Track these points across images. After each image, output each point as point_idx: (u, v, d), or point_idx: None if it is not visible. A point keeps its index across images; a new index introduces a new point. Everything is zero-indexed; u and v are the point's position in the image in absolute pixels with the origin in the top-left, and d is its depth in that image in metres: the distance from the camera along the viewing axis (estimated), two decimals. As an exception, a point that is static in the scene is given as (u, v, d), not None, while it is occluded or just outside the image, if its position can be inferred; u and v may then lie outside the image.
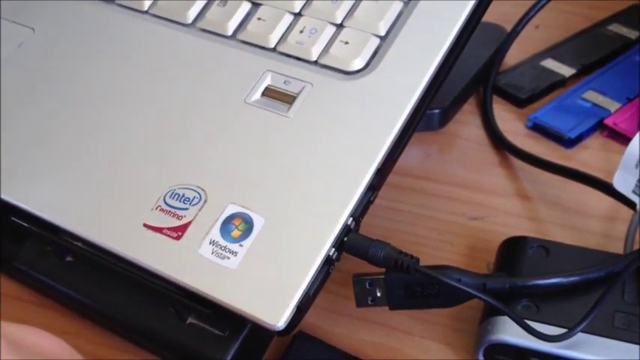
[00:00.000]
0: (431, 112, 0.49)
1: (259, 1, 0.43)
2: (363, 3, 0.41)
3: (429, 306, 0.38)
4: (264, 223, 0.36)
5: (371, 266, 0.37)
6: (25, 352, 0.30)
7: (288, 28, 0.42)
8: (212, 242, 0.36)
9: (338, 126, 0.38)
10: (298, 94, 0.39)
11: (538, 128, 0.50)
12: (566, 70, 0.53)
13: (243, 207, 0.36)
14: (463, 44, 0.40)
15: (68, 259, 0.41)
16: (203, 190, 0.37)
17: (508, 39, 0.53)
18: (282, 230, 0.36)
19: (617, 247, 0.42)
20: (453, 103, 0.50)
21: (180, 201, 0.37)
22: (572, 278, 0.37)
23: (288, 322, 0.34)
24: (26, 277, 0.42)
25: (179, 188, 0.38)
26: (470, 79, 0.51)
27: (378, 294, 0.38)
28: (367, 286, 0.38)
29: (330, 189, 0.36)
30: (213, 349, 0.37)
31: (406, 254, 0.36)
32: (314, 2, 0.42)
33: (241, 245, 0.35)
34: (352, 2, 0.41)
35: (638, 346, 0.35)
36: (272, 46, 0.42)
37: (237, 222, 0.36)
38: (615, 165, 0.40)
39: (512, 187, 0.47)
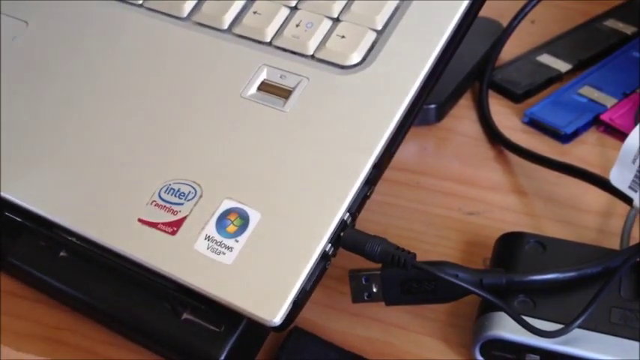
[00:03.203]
0: (427, 107, 0.49)
1: (255, -5, 0.43)
2: (359, -3, 0.41)
3: (426, 302, 0.38)
4: (260, 219, 0.36)
5: (367, 261, 0.36)
6: None
7: (284, 22, 0.42)
8: (207, 237, 0.36)
9: (334, 120, 0.38)
10: (294, 88, 0.39)
11: (534, 123, 0.49)
12: (563, 66, 0.52)
13: (239, 202, 0.36)
14: (460, 39, 0.40)
15: (62, 254, 0.41)
16: (198, 185, 0.37)
17: (504, 34, 0.53)
18: (279, 225, 0.35)
19: (614, 243, 0.42)
20: (449, 98, 0.50)
21: (175, 196, 0.37)
22: (568, 274, 0.37)
23: (284, 317, 0.34)
24: (20, 273, 0.42)
25: (174, 183, 0.37)
26: (466, 74, 0.51)
27: (375, 289, 0.38)
28: (363, 282, 0.38)
29: (327, 184, 0.36)
30: (208, 344, 0.37)
31: (403, 250, 0.36)
32: (310, -4, 0.42)
33: (237, 240, 0.35)
34: (349, -4, 0.41)
35: (634, 342, 0.35)
36: (268, 40, 0.41)
37: (232, 217, 0.36)
38: (611, 160, 0.40)
39: (508, 183, 0.47)
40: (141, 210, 0.37)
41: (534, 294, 0.37)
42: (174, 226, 0.36)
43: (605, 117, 0.49)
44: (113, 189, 0.38)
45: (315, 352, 0.38)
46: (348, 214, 0.36)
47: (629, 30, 0.54)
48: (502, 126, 0.49)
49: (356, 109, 0.38)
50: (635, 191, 0.39)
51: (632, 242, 0.41)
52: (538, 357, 0.36)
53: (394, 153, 0.39)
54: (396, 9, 0.41)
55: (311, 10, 0.41)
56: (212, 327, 0.37)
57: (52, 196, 0.39)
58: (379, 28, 0.40)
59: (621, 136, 0.47)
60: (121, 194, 0.38)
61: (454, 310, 0.40)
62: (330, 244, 0.35)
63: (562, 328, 0.35)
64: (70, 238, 0.38)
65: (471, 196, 0.46)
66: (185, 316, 0.37)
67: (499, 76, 0.52)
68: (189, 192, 0.37)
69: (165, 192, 0.37)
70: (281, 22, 0.42)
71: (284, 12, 0.42)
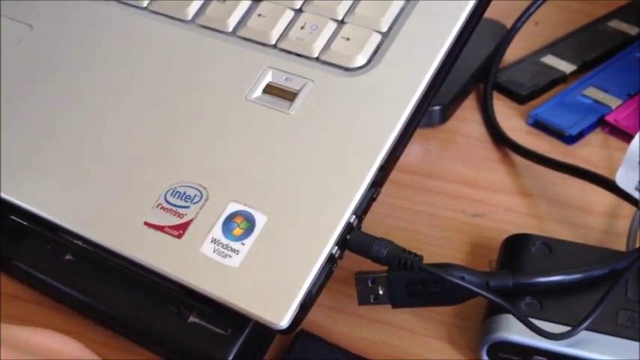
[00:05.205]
0: (431, 109, 0.49)
1: (259, -3, 0.43)
2: (364, -1, 0.41)
3: (432, 304, 0.38)
4: (266, 221, 0.36)
5: (373, 264, 0.36)
6: (28, 353, 0.29)
7: (288, 25, 0.42)
8: (214, 240, 0.35)
9: (340, 123, 0.38)
10: (300, 90, 0.39)
11: (539, 125, 0.49)
12: (567, 67, 0.52)
13: (245, 205, 0.36)
14: (465, 41, 0.40)
15: (68, 257, 0.41)
16: (204, 188, 0.37)
17: (508, 35, 0.53)
18: (285, 228, 0.35)
19: (619, 244, 0.42)
20: (453, 100, 0.50)
21: (181, 199, 0.37)
22: (575, 276, 0.37)
23: (291, 320, 0.34)
24: (26, 276, 0.42)
25: (180, 186, 0.37)
26: (470, 76, 0.51)
27: (381, 292, 0.38)
28: (370, 284, 0.38)
29: (333, 186, 0.36)
30: (215, 347, 0.37)
31: (409, 252, 0.36)
32: (315, -2, 0.42)
33: (243, 243, 0.35)
34: (353, -2, 0.41)
35: (641, 344, 0.35)
36: (273, 42, 0.41)
37: (238, 220, 0.36)
38: (616, 162, 0.39)
39: (513, 184, 0.47)
40: (147, 213, 0.37)
41: (541, 296, 0.37)
42: (180, 230, 0.36)
43: (610, 118, 0.48)
44: (119, 192, 0.38)
45: (321, 354, 0.38)
46: (354, 216, 0.36)
47: (633, 31, 0.54)
48: (506, 127, 0.49)
49: (361, 112, 0.38)
50: (641, 192, 0.39)
51: (639, 244, 0.41)
52: (545, 359, 0.36)
53: (400, 155, 0.39)
54: (401, 11, 0.41)
55: (316, 12, 0.41)
56: (218, 330, 0.37)
57: (58, 200, 0.39)
58: (384, 30, 0.40)
59: (626, 137, 0.47)
60: (126, 197, 0.38)
61: (460, 312, 0.40)
62: (336, 247, 0.35)
63: (569, 331, 0.35)
64: (75, 242, 0.38)
65: (476, 197, 0.46)
66: (191, 319, 0.37)
67: (503, 77, 0.52)
68: (195, 195, 0.37)
69: (171, 195, 0.37)
70: (286, 25, 0.42)
71: (289, 14, 0.42)
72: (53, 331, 0.31)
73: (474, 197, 0.46)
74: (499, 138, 0.49)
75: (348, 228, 0.35)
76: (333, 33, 0.41)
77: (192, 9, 0.44)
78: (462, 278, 0.36)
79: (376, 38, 0.40)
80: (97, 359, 0.32)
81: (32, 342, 0.30)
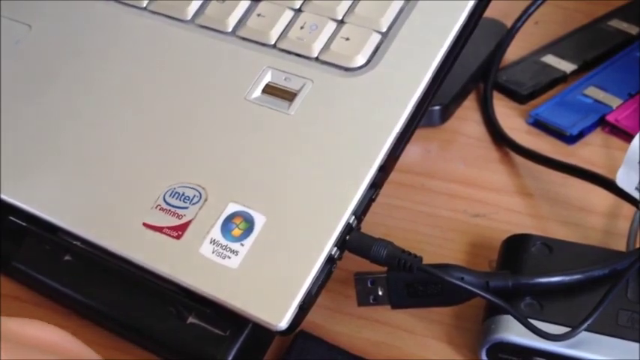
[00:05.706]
0: (431, 109, 0.49)
1: (259, -3, 0.43)
2: (363, -1, 0.41)
3: (432, 305, 0.38)
4: (265, 222, 0.35)
5: (372, 265, 0.36)
6: (24, 347, 0.29)
7: (288, 25, 0.42)
8: (213, 241, 0.35)
9: (339, 123, 0.38)
10: (299, 90, 0.39)
11: (539, 125, 0.49)
12: (567, 66, 0.52)
13: (244, 205, 0.36)
14: (465, 40, 0.40)
15: (67, 258, 0.40)
16: (203, 188, 0.37)
17: (508, 35, 0.53)
18: (284, 229, 0.35)
19: (620, 244, 0.41)
20: (453, 100, 0.50)
21: (180, 200, 0.37)
22: (575, 276, 0.37)
23: (290, 321, 0.33)
24: (24, 277, 0.41)
25: (179, 187, 0.37)
26: (470, 76, 0.51)
27: (380, 293, 0.38)
28: (369, 285, 0.38)
29: (332, 187, 0.36)
30: (214, 348, 0.36)
31: (409, 253, 0.36)
32: (314, -2, 0.42)
33: (242, 244, 0.35)
34: (353, -2, 0.41)
35: (641, 345, 0.35)
36: (272, 42, 0.41)
37: (237, 221, 0.36)
38: (617, 161, 0.39)
39: (513, 184, 0.47)
40: (145, 214, 0.37)
41: (541, 296, 0.37)
42: (179, 230, 0.36)
43: (610, 118, 0.48)
44: (118, 193, 0.38)
45: (321, 355, 0.38)
46: (353, 217, 0.35)
47: (633, 30, 0.54)
48: (507, 127, 0.49)
49: (361, 112, 0.38)
50: (642, 193, 0.39)
51: (639, 244, 0.41)
52: (545, 360, 0.36)
53: (399, 155, 0.38)
54: (401, 10, 0.40)
55: (315, 12, 0.41)
56: (217, 331, 0.37)
57: (57, 201, 0.39)
58: (384, 29, 0.40)
59: (627, 136, 0.47)
60: (125, 198, 0.38)
61: (460, 312, 0.40)
62: (335, 248, 0.35)
63: (569, 332, 0.35)
64: (74, 242, 0.38)
65: (477, 198, 0.46)
66: (190, 320, 0.37)
67: (504, 77, 0.52)
68: (194, 196, 0.37)
69: (169, 196, 0.37)
70: (285, 25, 0.42)
71: (288, 14, 0.42)
72: (44, 322, 0.31)
73: (474, 197, 0.46)
74: (499, 138, 0.49)
75: (348, 229, 0.35)
76: (332, 33, 0.41)
77: (191, 9, 0.44)
78: (462, 279, 0.36)
79: (376, 38, 0.40)
80: (89, 351, 0.32)
81: (24, 333, 0.30)
